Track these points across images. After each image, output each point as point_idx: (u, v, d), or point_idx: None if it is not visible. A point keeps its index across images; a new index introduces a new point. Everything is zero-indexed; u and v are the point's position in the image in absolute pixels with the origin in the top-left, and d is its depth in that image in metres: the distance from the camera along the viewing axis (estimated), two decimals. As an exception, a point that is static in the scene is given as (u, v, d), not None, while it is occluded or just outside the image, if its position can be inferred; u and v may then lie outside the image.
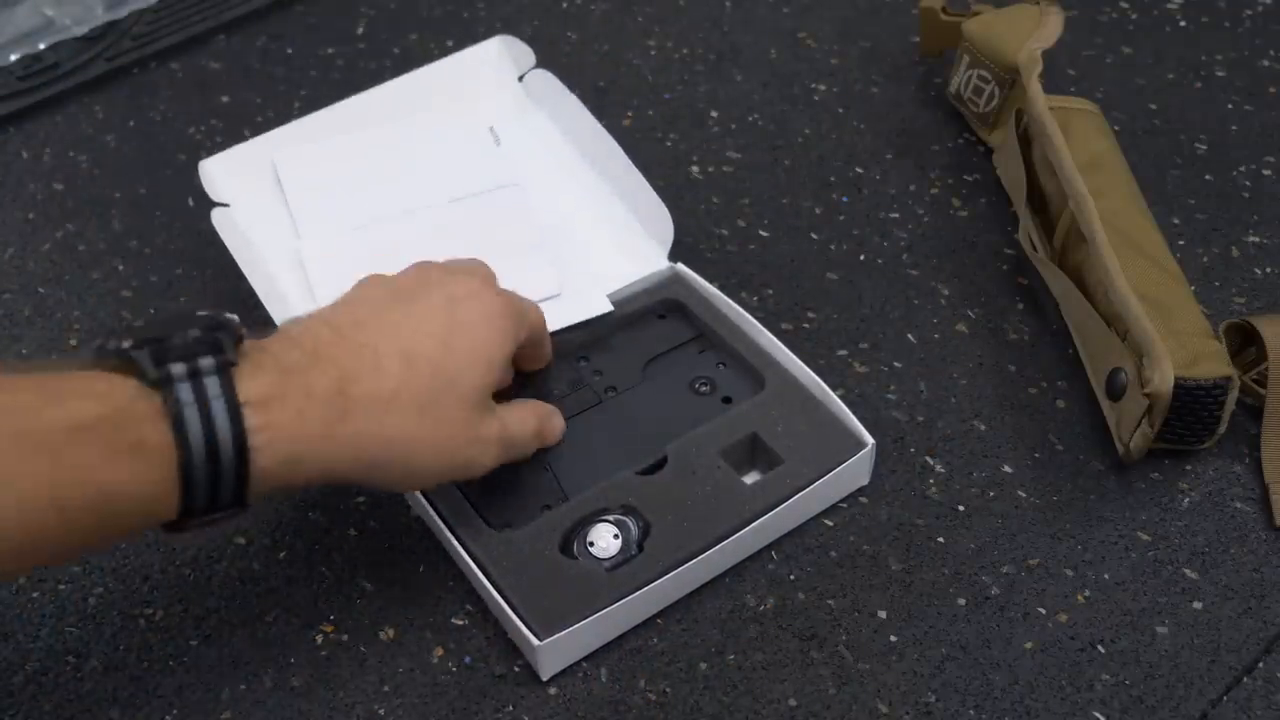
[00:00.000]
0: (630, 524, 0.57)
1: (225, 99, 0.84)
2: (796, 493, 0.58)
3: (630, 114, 0.81)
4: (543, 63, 0.78)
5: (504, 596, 0.55)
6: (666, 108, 0.82)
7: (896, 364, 0.67)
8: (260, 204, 0.70)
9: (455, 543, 0.57)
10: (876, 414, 0.65)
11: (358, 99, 0.75)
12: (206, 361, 0.46)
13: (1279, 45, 0.85)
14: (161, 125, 0.82)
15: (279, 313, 0.64)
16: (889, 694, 0.54)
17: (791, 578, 0.58)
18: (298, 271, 0.68)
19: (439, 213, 0.70)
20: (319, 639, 0.56)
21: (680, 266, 0.68)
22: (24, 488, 0.43)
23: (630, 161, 0.71)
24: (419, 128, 0.74)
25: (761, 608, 0.57)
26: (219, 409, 0.46)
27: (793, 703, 0.54)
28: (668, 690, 0.54)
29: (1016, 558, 0.59)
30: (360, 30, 0.89)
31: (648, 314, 0.67)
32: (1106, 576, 0.58)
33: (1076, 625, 0.56)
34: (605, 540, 0.56)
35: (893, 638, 0.56)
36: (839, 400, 0.61)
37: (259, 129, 0.78)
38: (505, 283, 0.59)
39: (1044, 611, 0.57)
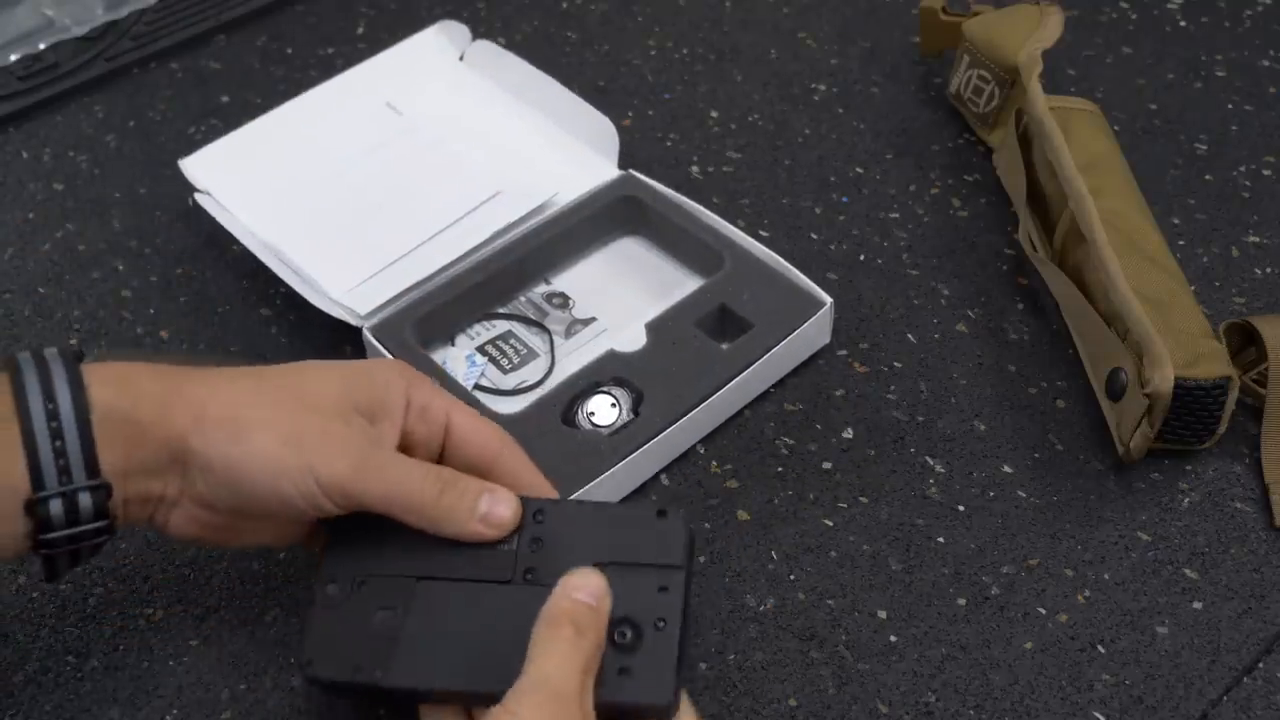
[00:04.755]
0: (624, 393, 0.62)
1: (225, 99, 0.84)
2: (767, 351, 0.64)
3: (630, 114, 0.81)
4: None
5: None
6: (666, 108, 0.82)
7: (896, 364, 0.67)
8: (235, 196, 0.73)
9: None
10: (876, 414, 0.65)
11: (308, 95, 0.79)
12: (51, 350, 0.48)
13: (1279, 45, 0.85)
14: (161, 125, 0.82)
15: (299, 285, 0.68)
16: (889, 694, 0.54)
17: (791, 578, 0.58)
18: (271, 254, 0.70)
19: (370, 162, 0.75)
20: (319, 639, 0.56)
21: (632, 171, 0.73)
22: None
23: (573, 94, 0.75)
24: (319, 102, 0.79)
25: (761, 608, 0.57)
26: (58, 370, 0.47)
27: (793, 703, 0.54)
28: (668, 690, 0.54)
29: (1016, 558, 0.59)
30: (360, 30, 0.89)
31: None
32: (1106, 576, 0.58)
33: (1076, 625, 0.56)
34: (604, 410, 0.62)
35: (893, 638, 0.56)
36: (794, 269, 0.67)
37: (259, 129, 0.78)
38: (444, 191, 0.69)
39: (1044, 611, 0.57)
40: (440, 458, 0.53)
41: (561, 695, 0.45)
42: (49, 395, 0.47)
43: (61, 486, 0.47)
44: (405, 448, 0.52)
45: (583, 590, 0.47)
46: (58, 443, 0.46)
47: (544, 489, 0.53)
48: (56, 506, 0.47)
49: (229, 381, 0.50)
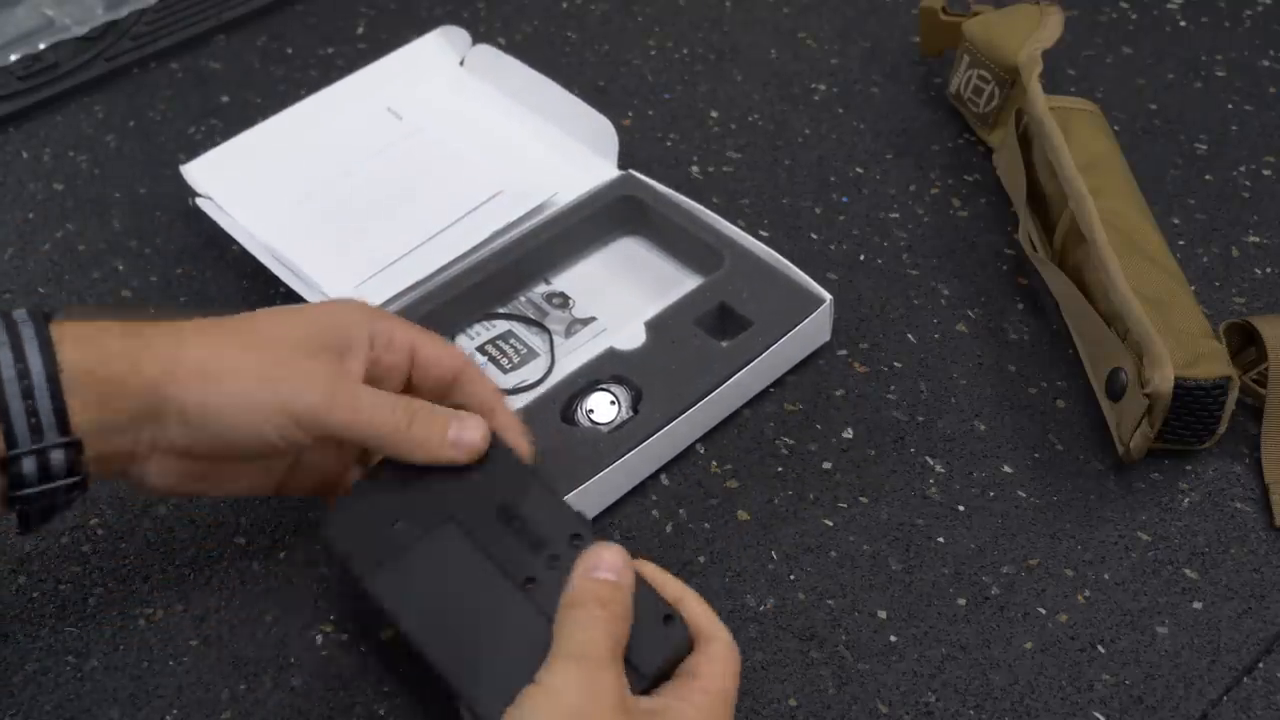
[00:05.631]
0: (623, 391, 0.62)
1: (225, 99, 0.84)
2: (767, 348, 0.64)
3: (630, 114, 0.81)
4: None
5: None
6: (666, 108, 0.82)
7: (896, 364, 0.67)
8: (235, 201, 0.73)
9: None
10: (876, 414, 0.65)
11: (309, 101, 0.79)
12: (20, 311, 0.49)
13: (1279, 45, 0.85)
14: (161, 125, 0.82)
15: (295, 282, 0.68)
16: (889, 694, 0.54)
17: (791, 578, 0.58)
18: (271, 256, 0.70)
19: (370, 166, 0.75)
20: (319, 639, 0.56)
21: (632, 171, 0.73)
22: None
23: (573, 96, 0.75)
24: (319, 107, 0.79)
25: (761, 608, 0.57)
26: (28, 330, 0.48)
27: (793, 703, 0.54)
28: (668, 690, 0.54)
29: (1016, 558, 0.59)
30: (360, 30, 0.89)
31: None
32: (1106, 576, 0.58)
33: (1076, 625, 0.56)
34: (603, 407, 0.62)
35: (893, 638, 0.56)
36: (794, 266, 0.67)
37: (259, 129, 0.78)
38: (444, 191, 0.70)
39: (1044, 611, 0.57)
40: (408, 386, 0.55)
41: (592, 661, 0.45)
42: (19, 355, 0.47)
43: (34, 444, 0.47)
44: (374, 379, 0.53)
45: (601, 568, 0.48)
46: (29, 401, 0.47)
47: (498, 399, 0.56)
48: (30, 464, 0.47)
49: (197, 332, 0.51)
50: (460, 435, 0.52)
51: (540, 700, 0.44)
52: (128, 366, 0.49)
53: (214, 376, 0.50)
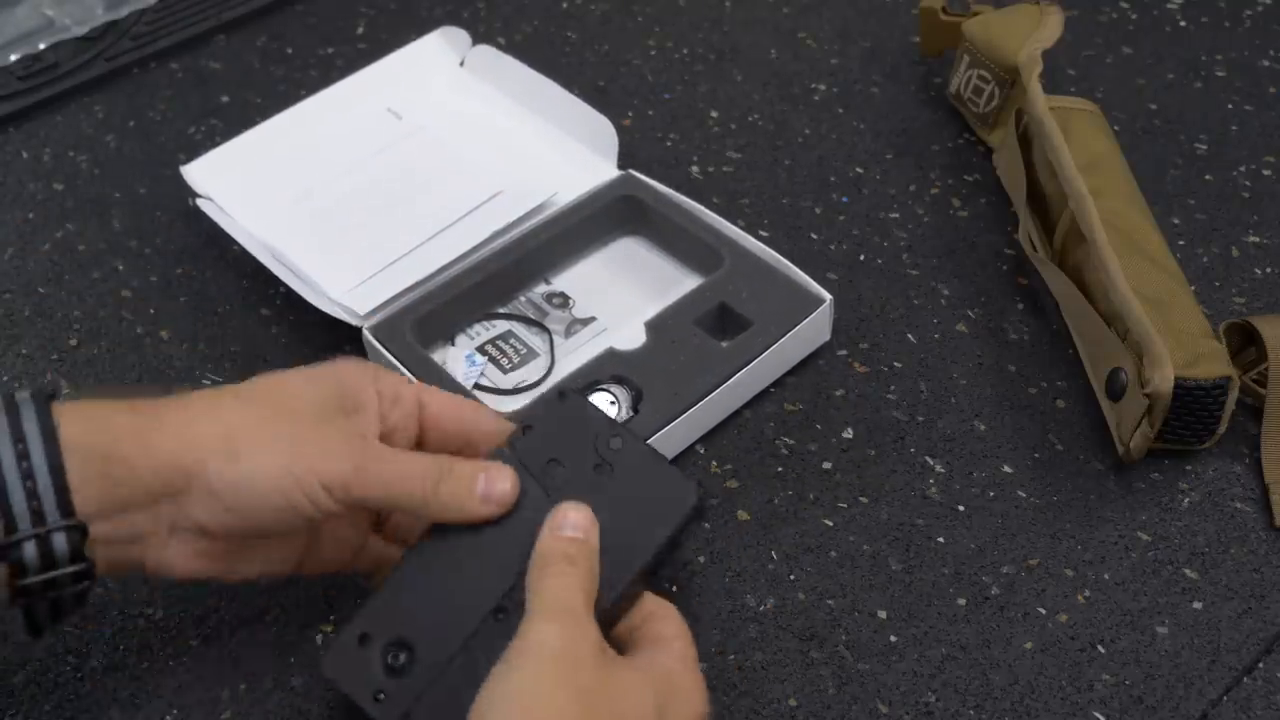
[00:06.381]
0: (623, 391, 0.62)
1: (225, 99, 0.84)
2: (767, 348, 0.64)
3: (630, 114, 0.81)
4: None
5: None
6: (666, 108, 0.82)
7: (896, 364, 0.67)
8: (235, 201, 0.73)
9: None
10: (876, 414, 0.65)
11: (309, 101, 0.79)
12: (23, 393, 0.47)
13: (1279, 45, 0.85)
14: (161, 125, 0.82)
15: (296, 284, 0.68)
16: (889, 694, 0.54)
17: (791, 578, 0.58)
18: (271, 256, 0.70)
19: (370, 166, 0.76)
20: (319, 639, 0.56)
21: (632, 171, 0.73)
22: None
23: (573, 96, 0.76)
24: (319, 108, 0.79)
25: (761, 608, 0.57)
26: (28, 411, 0.47)
27: (793, 703, 0.54)
28: (668, 690, 0.54)
29: (1016, 558, 0.59)
30: (360, 30, 0.89)
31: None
32: (1106, 576, 0.58)
33: (1076, 625, 0.56)
34: (603, 407, 0.60)
35: (893, 638, 0.56)
36: (794, 266, 0.67)
37: (259, 129, 0.78)
38: (445, 191, 0.70)
39: (1044, 611, 0.57)
40: (419, 443, 0.53)
41: (568, 613, 0.46)
42: (18, 436, 0.46)
43: (35, 528, 0.45)
44: (384, 438, 0.52)
45: (567, 526, 0.49)
46: (29, 483, 0.45)
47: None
48: (30, 550, 0.46)
49: (208, 404, 0.50)
50: (490, 490, 0.51)
51: (524, 651, 0.45)
52: (138, 445, 0.47)
53: (237, 450, 0.48)
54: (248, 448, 0.48)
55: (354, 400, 0.51)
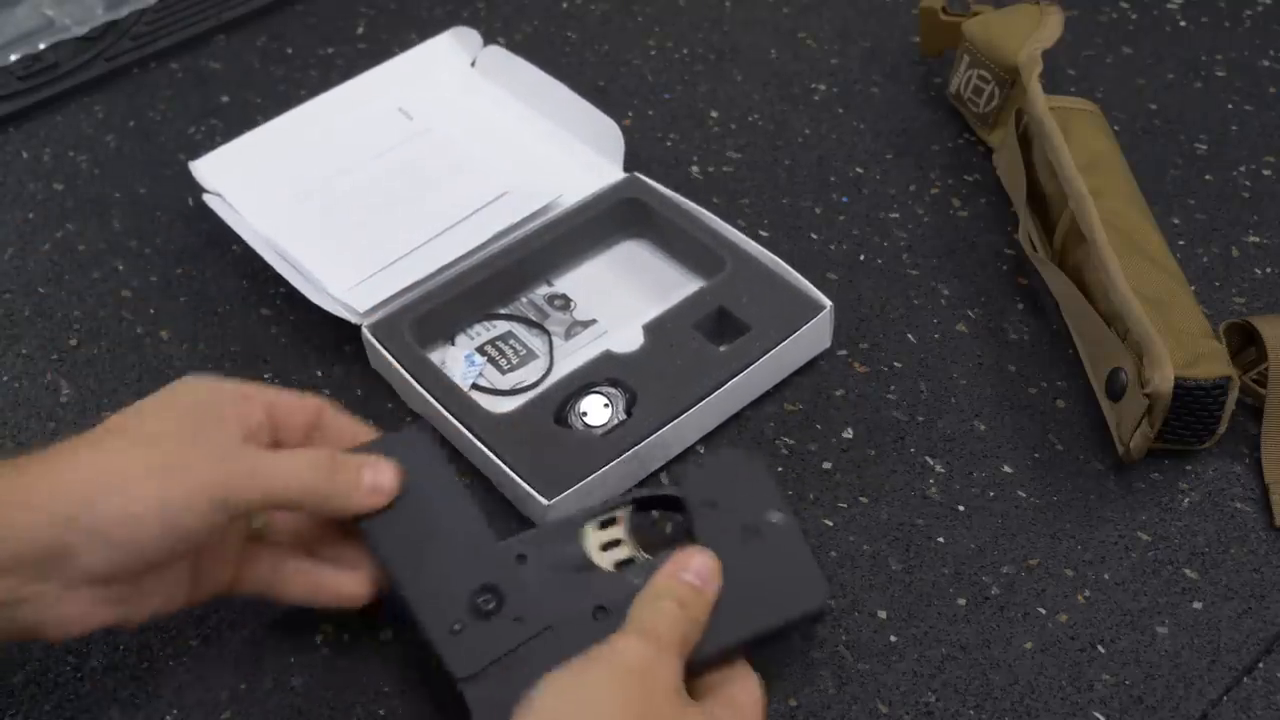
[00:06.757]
0: (618, 394, 0.62)
1: (225, 99, 0.84)
2: (764, 354, 0.63)
3: (630, 114, 0.81)
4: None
5: (509, 466, 0.59)
6: (666, 108, 0.82)
7: (896, 364, 0.67)
8: (243, 198, 0.73)
9: (459, 425, 0.60)
10: (876, 414, 0.65)
11: (320, 99, 0.79)
12: None
13: (1279, 45, 0.85)
14: (161, 125, 0.82)
15: (300, 284, 0.68)
16: (889, 694, 0.54)
17: (791, 578, 0.58)
18: (275, 253, 0.70)
19: (379, 165, 0.76)
20: (319, 639, 0.56)
21: (637, 174, 0.73)
22: None
23: (581, 98, 0.75)
24: (330, 106, 0.79)
25: (761, 608, 0.57)
26: None
27: (793, 703, 0.54)
28: (668, 690, 0.54)
29: (1016, 558, 0.59)
30: (360, 30, 0.89)
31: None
32: (1106, 576, 0.58)
33: (1076, 625, 0.56)
34: (596, 410, 0.61)
35: (893, 638, 0.56)
36: (795, 272, 0.66)
37: (259, 129, 0.78)
38: (451, 191, 0.71)
39: (1044, 611, 0.57)
40: (275, 444, 0.53)
41: (660, 643, 0.47)
42: None
43: None
44: (246, 443, 0.51)
45: (690, 571, 0.49)
46: None
47: (365, 433, 0.56)
48: None
49: (69, 454, 0.48)
50: (377, 480, 0.52)
51: (603, 657, 0.46)
52: (11, 504, 0.46)
53: (117, 486, 0.47)
54: (122, 481, 0.47)
55: (214, 414, 0.51)
